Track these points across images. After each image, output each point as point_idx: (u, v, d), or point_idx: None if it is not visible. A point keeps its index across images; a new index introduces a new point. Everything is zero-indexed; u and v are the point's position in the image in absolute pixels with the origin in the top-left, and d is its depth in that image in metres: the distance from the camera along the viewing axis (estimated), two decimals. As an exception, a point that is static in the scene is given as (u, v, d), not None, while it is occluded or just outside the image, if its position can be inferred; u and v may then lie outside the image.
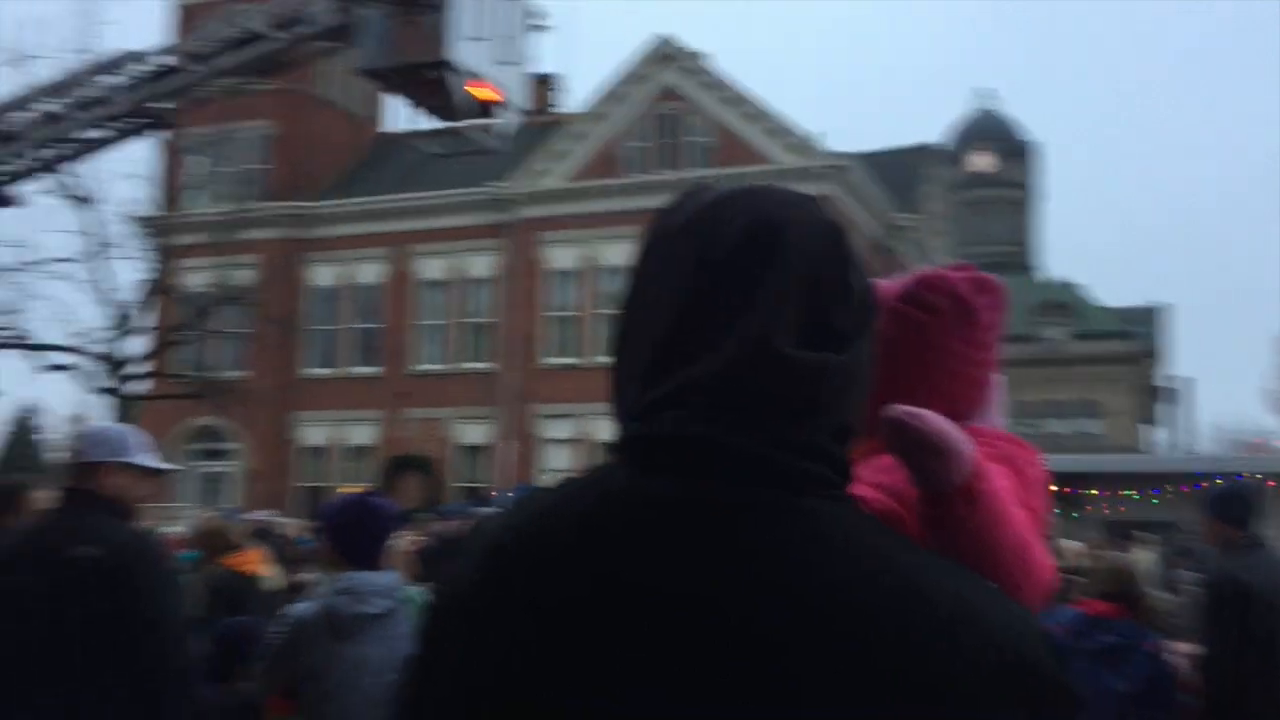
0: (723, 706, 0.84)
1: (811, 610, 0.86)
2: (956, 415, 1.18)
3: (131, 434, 3.80)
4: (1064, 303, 64.67)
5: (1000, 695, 0.86)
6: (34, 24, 33.89)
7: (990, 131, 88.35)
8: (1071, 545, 16.85)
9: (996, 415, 1.40)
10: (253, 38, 9.07)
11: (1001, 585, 1.03)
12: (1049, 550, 1.23)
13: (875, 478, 1.13)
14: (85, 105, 9.49)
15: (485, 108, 8.41)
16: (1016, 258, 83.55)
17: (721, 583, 0.88)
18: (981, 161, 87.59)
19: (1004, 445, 1.31)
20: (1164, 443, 71.25)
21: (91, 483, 3.62)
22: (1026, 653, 0.89)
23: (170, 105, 9.68)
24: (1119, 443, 58.98)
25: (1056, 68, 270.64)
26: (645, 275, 1.02)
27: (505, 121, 8.76)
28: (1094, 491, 25.49)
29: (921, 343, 1.26)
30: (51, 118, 9.71)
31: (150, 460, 3.78)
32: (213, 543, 7.34)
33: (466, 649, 0.95)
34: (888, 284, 1.33)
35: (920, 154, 37.61)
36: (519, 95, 8.79)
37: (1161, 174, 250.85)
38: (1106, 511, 25.95)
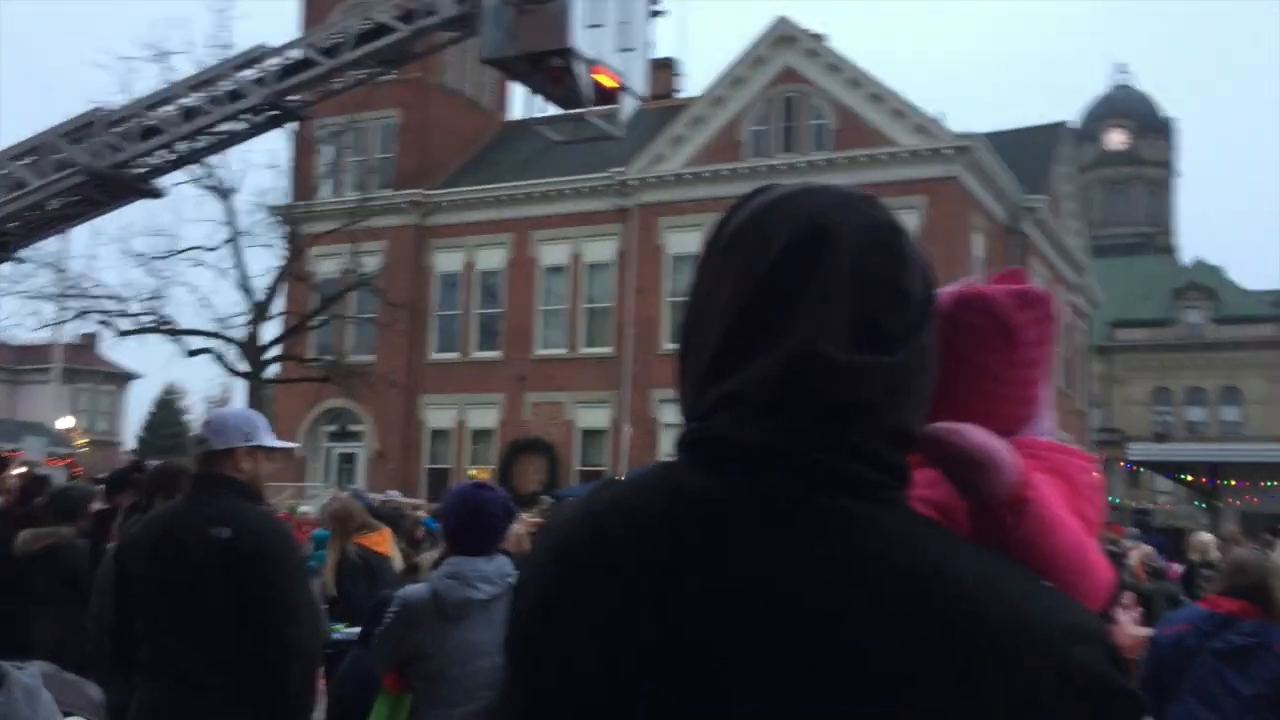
0: (791, 693, 0.89)
1: (867, 606, 0.89)
2: (1004, 431, 1.20)
3: (255, 417, 3.93)
4: (1205, 285, 62.06)
5: (1056, 691, 0.87)
6: (172, 22, 35.29)
7: (1126, 108, 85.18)
8: (1205, 538, 16.19)
9: (1048, 424, 1.37)
10: (379, 29, 9.28)
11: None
12: (1103, 554, 1.24)
13: (921, 492, 1.13)
14: (222, 99, 9.84)
15: (607, 94, 8.46)
16: (1155, 239, 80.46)
17: (783, 577, 0.91)
18: (1116, 139, 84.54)
19: (1054, 456, 1.30)
20: (1311, 432, 68.06)
21: (223, 467, 3.76)
22: (1083, 651, 0.90)
23: (303, 98, 9.97)
24: (1262, 431, 56.47)
25: (1194, 40, 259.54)
26: (704, 279, 1.05)
27: (626, 107, 8.81)
28: (1232, 482, 24.48)
29: (961, 364, 1.23)
30: (191, 112, 10.08)
31: (274, 441, 3.91)
32: (344, 523, 7.58)
33: (546, 646, 1.01)
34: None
35: (1051, 133, 36.43)
36: (639, 81, 8.82)
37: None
38: (1249, 502, 24.90)
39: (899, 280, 0.99)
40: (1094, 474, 1.34)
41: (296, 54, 9.65)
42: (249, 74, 9.80)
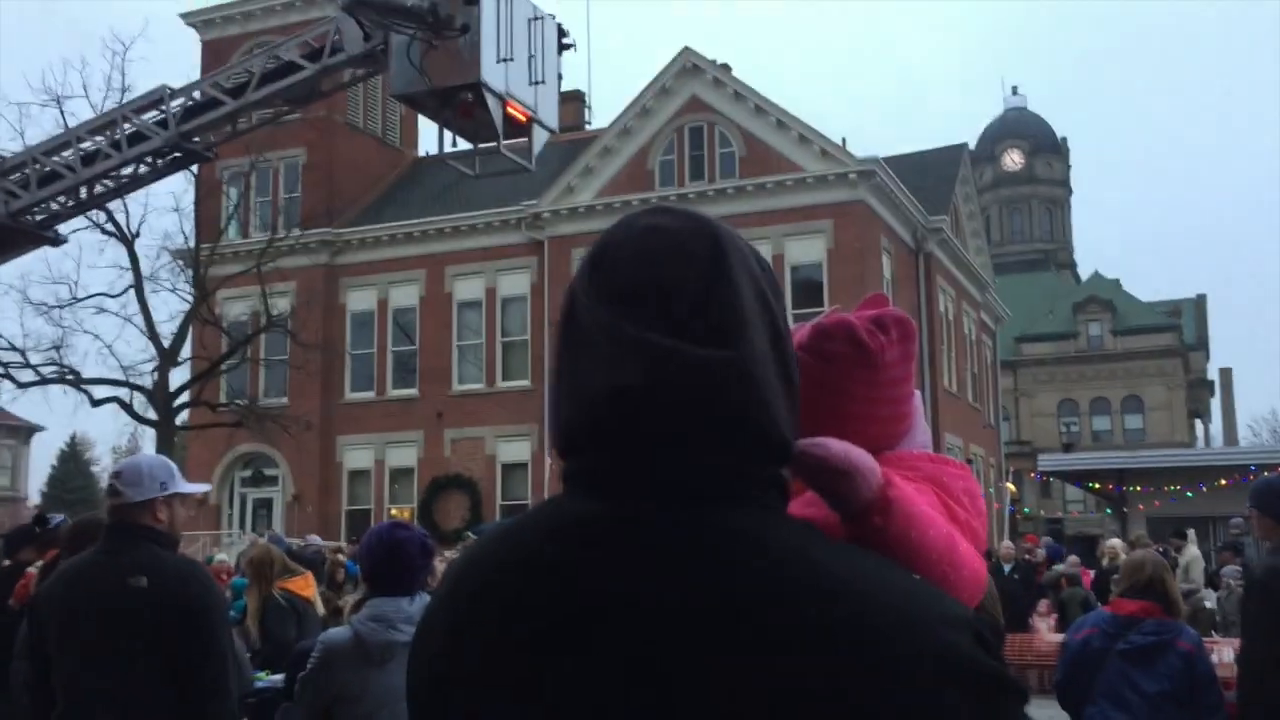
0: (659, 695, 0.91)
1: (737, 610, 0.91)
2: (878, 448, 1.28)
3: (168, 464, 3.88)
4: (1104, 299, 64.03)
5: (931, 676, 0.90)
6: (67, 66, 34.50)
7: (1020, 129, 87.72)
8: (1114, 544, 16.67)
9: (921, 436, 1.45)
10: (286, 68, 9.21)
11: (931, 583, 1.11)
12: (978, 553, 1.32)
13: (801, 511, 1.20)
14: (124, 142, 9.66)
15: (518, 127, 8.51)
16: (1055, 255, 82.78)
17: (650, 592, 0.94)
18: (1013, 160, 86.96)
19: (928, 465, 1.39)
20: (1208, 436, 70.44)
21: (140, 517, 3.70)
22: (953, 637, 0.92)
23: (207, 139, 9.83)
24: (1164, 437, 58.26)
25: (1085, 64, 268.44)
26: (564, 321, 1.06)
27: (537, 140, 8.86)
28: (1138, 488, 25.19)
29: (825, 390, 1.30)
30: (92, 156, 9.88)
31: (188, 487, 3.87)
32: (264, 569, 7.45)
33: (446, 687, 1.03)
34: (797, 330, 1.38)
35: (951, 155, 37.41)
36: (550, 114, 8.89)
37: (1190, 168, 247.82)
38: (1154, 507, 25.62)
39: (712, 285, 1.00)
40: (968, 480, 1.42)
41: (202, 94, 9.52)
42: (151, 116, 9.64)
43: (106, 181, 10.23)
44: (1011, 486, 47.78)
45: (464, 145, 9.10)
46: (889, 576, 0.97)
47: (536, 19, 8.46)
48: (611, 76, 30.83)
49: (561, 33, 8.83)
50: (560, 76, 8.90)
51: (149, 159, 9.78)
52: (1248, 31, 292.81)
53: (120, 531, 3.72)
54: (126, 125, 9.66)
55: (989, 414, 40.76)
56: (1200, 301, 73.21)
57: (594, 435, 1.00)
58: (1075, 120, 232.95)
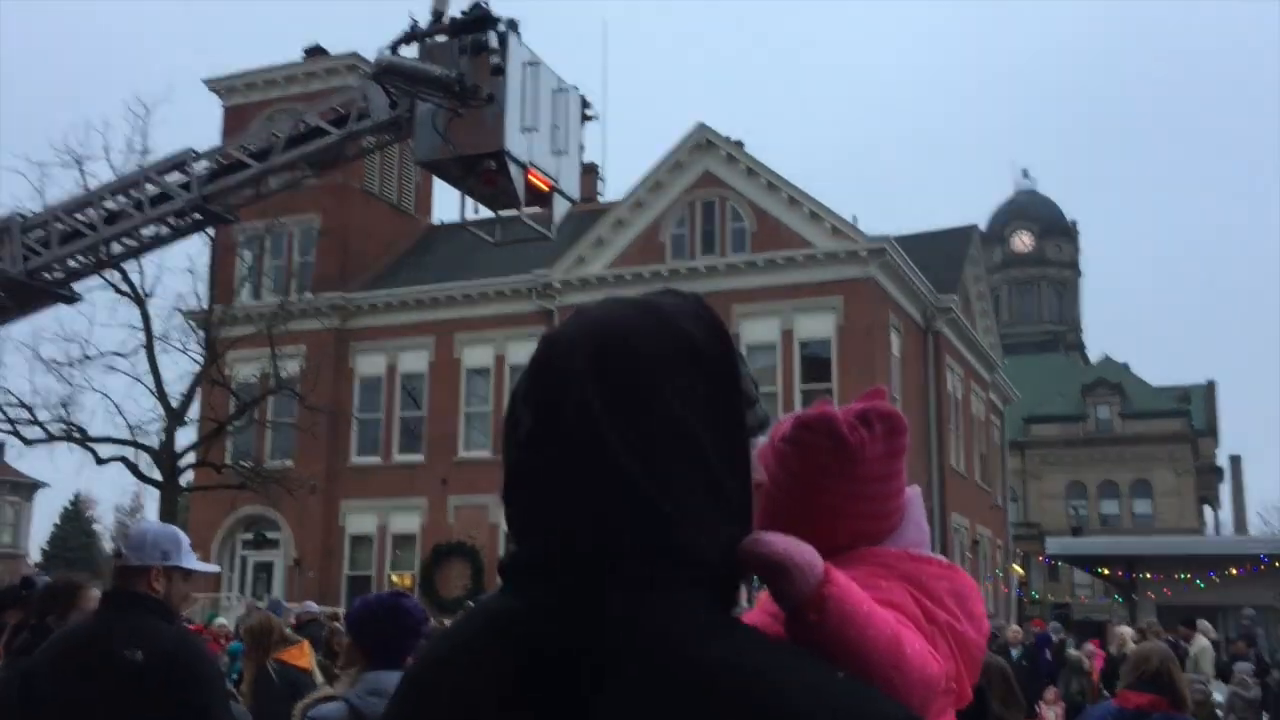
0: None
1: (650, 703, 0.93)
2: (852, 545, 1.28)
3: (176, 534, 3.81)
4: (1113, 381, 63.95)
5: None
6: (89, 127, 35.04)
7: (1030, 212, 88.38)
8: (1124, 631, 16.43)
9: (914, 534, 1.41)
10: (312, 133, 9.33)
11: (873, 683, 1.11)
12: (941, 655, 1.30)
13: (767, 604, 1.20)
14: (146, 203, 9.75)
15: (539, 196, 8.60)
16: (1064, 337, 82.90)
17: (569, 685, 0.97)
18: (1022, 242, 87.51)
19: (904, 564, 1.35)
20: (1218, 523, 69.89)
21: (138, 585, 3.64)
22: None
23: (229, 201, 9.93)
24: (1173, 523, 57.78)
25: (1097, 148, 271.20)
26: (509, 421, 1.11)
27: (558, 209, 8.95)
28: (1148, 575, 24.92)
29: (801, 483, 1.28)
30: (114, 216, 9.97)
31: (194, 562, 3.81)
32: (262, 638, 7.36)
33: None
34: (780, 423, 1.38)
35: (961, 236, 37.64)
36: (572, 184, 8.99)
37: (1200, 253, 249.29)
38: (1164, 595, 25.31)
39: (591, 403, 1.03)
40: (956, 580, 1.39)
41: (224, 157, 9.63)
42: (174, 178, 9.74)
43: (127, 241, 10.31)
44: (1019, 569, 47.32)
45: (485, 212, 9.19)
46: (807, 675, 0.97)
47: (561, 90, 8.59)
48: (624, 149, 31.20)
49: (585, 104, 8.97)
50: (582, 147, 9.03)
51: (170, 220, 9.87)
52: (1257, 117, 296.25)
53: (118, 598, 3.67)
54: (149, 186, 9.76)
55: (997, 495, 40.51)
56: (1210, 387, 73.08)
57: (518, 533, 1.07)
58: (1085, 203, 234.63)
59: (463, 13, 8.13)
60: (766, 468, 1.29)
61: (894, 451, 1.34)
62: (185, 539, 3.84)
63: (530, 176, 8.29)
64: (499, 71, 7.98)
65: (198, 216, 9.97)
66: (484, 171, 8.02)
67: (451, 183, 8.62)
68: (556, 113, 8.44)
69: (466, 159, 8.12)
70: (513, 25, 8.11)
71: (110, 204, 10.02)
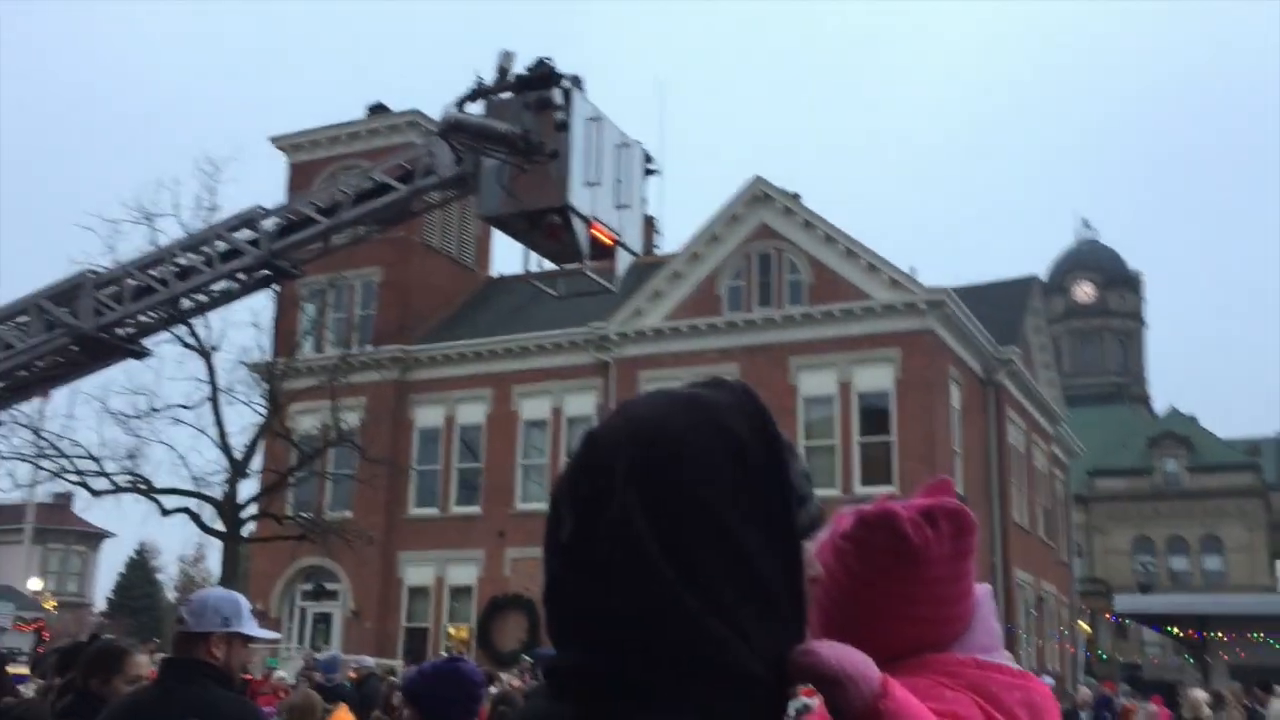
0: None
1: None
2: (917, 649, 1.23)
3: (237, 600, 3.83)
4: (1180, 434, 62.61)
5: None
6: (159, 184, 35.83)
7: (1092, 262, 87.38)
8: (1198, 696, 15.90)
9: (984, 638, 1.34)
10: (379, 189, 9.49)
11: None
12: None
13: (824, 715, 1.17)
14: (216, 259, 9.96)
15: (602, 250, 8.67)
16: (1128, 388, 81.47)
17: None
18: (1084, 292, 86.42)
19: (969, 673, 1.28)
20: (1294, 580, 67.81)
21: (198, 651, 3.65)
22: None
23: (297, 257, 10.12)
24: (1245, 580, 56.18)
25: (1159, 196, 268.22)
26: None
27: (621, 262, 9.02)
28: (1220, 635, 24.18)
29: (862, 584, 1.24)
30: (185, 272, 10.19)
31: (255, 629, 3.82)
32: (303, 716, 7.47)
33: None
34: (842, 517, 1.31)
35: (1022, 286, 37.26)
36: (635, 237, 9.06)
37: (1267, 301, 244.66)
38: (1238, 656, 24.53)
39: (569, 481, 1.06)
40: (1030, 691, 1.32)
41: (293, 213, 9.82)
42: (244, 234, 9.96)
43: (197, 296, 10.52)
44: (1086, 627, 46.18)
45: (547, 265, 9.26)
46: None
47: (624, 145, 8.69)
48: (681, 202, 31.37)
49: (647, 158, 9.05)
50: (645, 201, 9.10)
51: (239, 276, 10.06)
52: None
53: (178, 666, 3.67)
54: (219, 242, 9.97)
55: (1061, 550, 39.69)
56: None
57: (559, 640, 1.06)
58: (1149, 251, 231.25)
59: (528, 70, 8.27)
60: (825, 565, 1.24)
61: (961, 552, 1.28)
62: (246, 604, 3.83)
63: (594, 231, 8.35)
64: (563, 127, 8.07)
65: (266, 272, 10.16)
66: (548, 226, 8.10)
67: (515, 237, 8.71)
68: (620, 167, 8.52)
69: (530, 214, 8.20)
70: (577, 82, 8.24)
71: (181, 260, 10.25)
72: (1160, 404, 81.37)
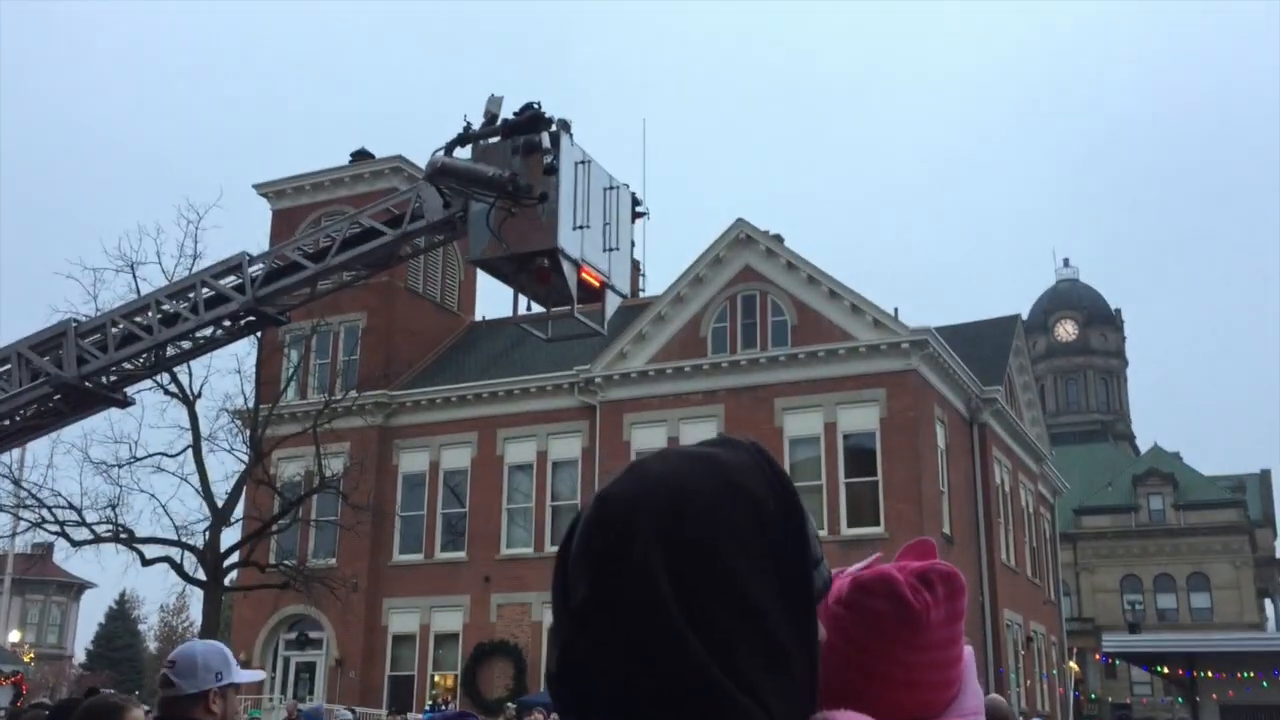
0: None
1: None
2: (919, 714, 1.20)
3: (223, 652, 3.76)
4: (1165, 471, 62.79)
5: None
6: (142, 232, 35.81)
7: (1073, 301, 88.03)
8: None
9: (973, 700, 1.31)
10: (367, 234, 9.48)
11: None
12: None
13: None
14: (201, 306, 9.92)
15: (591, 292, 8.67)
16: (1113, 426, 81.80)
17: None
18: (1066, 331, 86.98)
19: None
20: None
21: (194, 710, 3.57)
22: None
23: (283, 303, 10.07)
24: (1233, 618, 56.15)
25: (1139, 236, 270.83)
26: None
27: (610, 305, 9.02)
28: (1210, 674, 24.08)
29: (860, 651, 1.19)
30: (170, 319, 10.13)
31: (244, 674, 3.74)
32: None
33: None
34: (836, 581, 1.31)
35: (1004, 326, 37.47)
36: (623, 280, 9.07)
37: (1246, 338, 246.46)
38: (1227, 696, 24.44)
39: (578, 553, 1.01)
40: None
41: (281, 259, 9.80)
42: (230, 281, 9.92)
43: (183, 343, 10.45)
44: (1075, 667, 46.00)
45: (536, 308, 9.25)
46: None
47: (611, 188, 8.72)
48: (665, 244, 31.46)
49: (635, 201, 9.08)
50: (633, 244, 9.12)
51: (225, 323, 10.01)
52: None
53: None
54: (205, 290, 9.93)
55: (1049, 589, 39.61)
56: (1265, 476, 71.57)
57: (571, 708, 1.01)
58: (1129, 291, 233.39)
59: (515, 114, 8.30)
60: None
61: (955, 615, 1.24)
62: (229, 651, 3.77)
63: (582, 273, 8.36)
64: (551, 171, 8.10)
65: (251, 318, 10.11)
66: (537, 269, 8.10)
67: (504, 280, 8.70)
68: (608, 210, 8.55)
69: (519, 257, 8.20)
70: (564, 125, 8.28)
71: (166, 307, 10.19)
72: (1144, 441, 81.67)
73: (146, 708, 4.09)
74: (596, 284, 8.59)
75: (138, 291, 21.61)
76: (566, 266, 8.18)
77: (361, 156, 37.09)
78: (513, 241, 8.11)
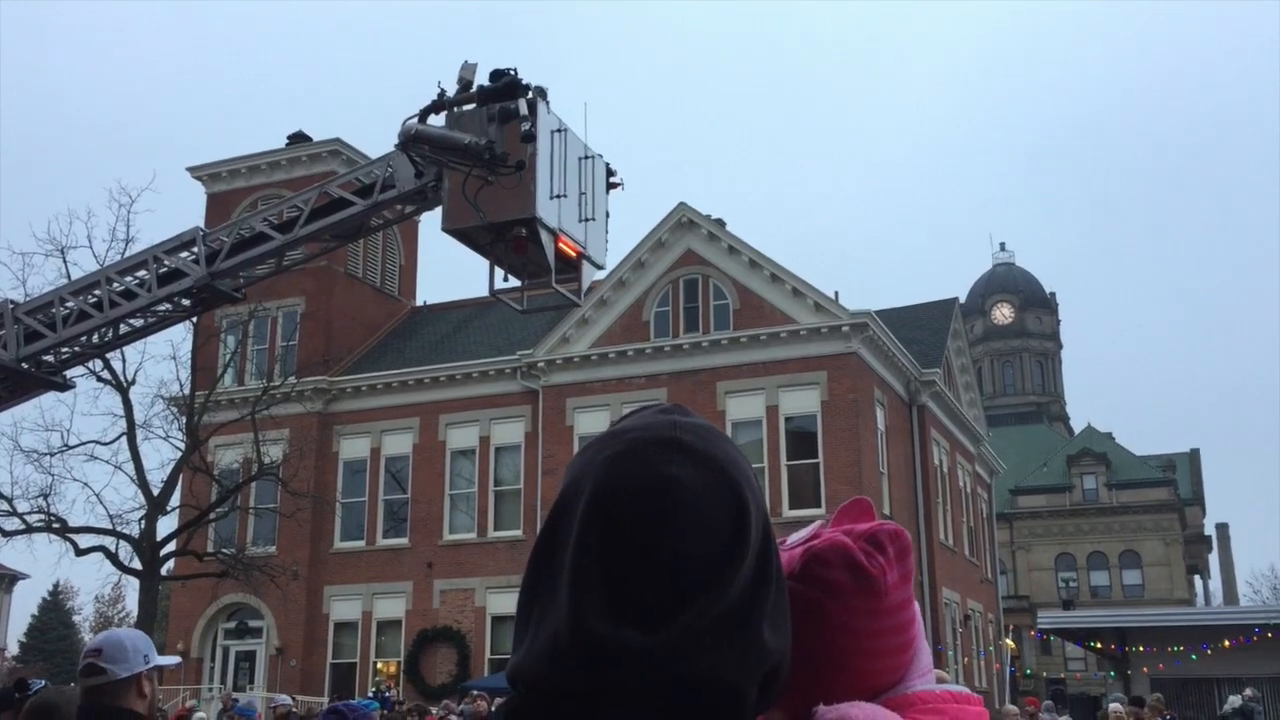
0: None
1: None
2: (891, 682, 1.17)
3: (146, 637, 3.72)
4: (1098, 451, 64.15)
5: None
6: (72, 216, 34.91)
7: (1009, 285, 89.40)
8: (1116, 708, 16.17)
9: (925, 658, 1.28)
10: (336, 204, 9.28)
11: None
12: None
13: None
14: (154, 283, 9.64)
15: (567, 263, 8.58)
16: (1048, 408, 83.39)
17: None
18: (1003, 314, 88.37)
19: (950, 708, 1.23)
20: (1208, 592, 69.73)
21: (125, 697, 3.51)
22: None
23: (238, 279, 9.83)
24: (1163, 594, 57.61)
25: (1073, 220, 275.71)
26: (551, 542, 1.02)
27: (586, 276, 8.94)
28: (1141, 648, 24.71)
29: (822, 623, 1.15)
30: (124, 295, 9.85)
31: (163, 659, 3.73)
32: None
33: None
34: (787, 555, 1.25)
35: (942, 309, 37.93)
36: (599, 250, 8.98)
37: (1181, 322, 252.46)
38: (1158, 669, 25.07)
39: (661, 546, 0.90)
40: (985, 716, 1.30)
41: (246, 230, 9.56)
42: (185, 256, 9.66)
43: (132, 321, 10.17)
44: (1011, 644, 46.87)
45: (513, 282, 9.12)
46: None
47: (587, 158, 8.61)
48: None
49: (610, 172, 8.99)
50: (608, 214, 9.03)
51: (177, 299, 9.75)
52: (1239, 181, 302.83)
53: (97, 712, 3.48)
54: (158, 265, 9.66)
55: (986, 568, 40.29)
56: (1194, 455, 73.42)
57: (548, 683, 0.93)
58: (1064, 274, 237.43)
59: (491, 81, 8.17)
60: None
61: (906, 575, 1.21)
62: (147, 639, 3.73)
63: (560, 243, 8.26)
64: (530, 139, 7.96)
65: (205, 295, 9.87)
66: (514, 239, 7.97)
67: (480, 251, 8.56)
68: (583, 180, 8.45)
69: (495, 227, 8.06)
70: (541, 92, 8.16)
71: (117, 285, 9.90)
72: (1077, 422, 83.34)
73: None
74: (573, 254, 8.50)
75: (68, 276, 21.05)
76: (544, 236, 8.08)
77: (299, 139, 36.46)
78: (490, 211, 7.97)
